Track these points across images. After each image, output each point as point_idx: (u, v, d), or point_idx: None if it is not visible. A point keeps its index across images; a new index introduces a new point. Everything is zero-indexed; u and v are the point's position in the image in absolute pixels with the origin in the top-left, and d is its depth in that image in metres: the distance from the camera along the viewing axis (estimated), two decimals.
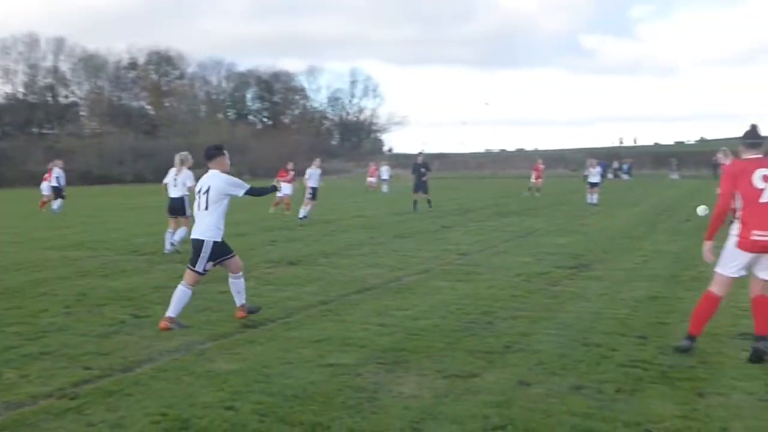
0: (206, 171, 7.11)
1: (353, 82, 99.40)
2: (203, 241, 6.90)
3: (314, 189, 19.75)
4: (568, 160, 77.64)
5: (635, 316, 7.26)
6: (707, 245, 5.99)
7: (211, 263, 6.97)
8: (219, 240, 6.95)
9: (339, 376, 5.33)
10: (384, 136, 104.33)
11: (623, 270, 10.25)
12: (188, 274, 7.00)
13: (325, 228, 17.14)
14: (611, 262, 11.13)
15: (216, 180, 6.96)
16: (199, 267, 6.93)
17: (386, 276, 9.93)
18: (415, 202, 22.69)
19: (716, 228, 5.88)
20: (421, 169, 22.80)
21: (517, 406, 4.68)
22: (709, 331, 6.52)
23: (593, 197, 24.86)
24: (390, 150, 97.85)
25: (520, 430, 4.27)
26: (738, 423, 4.37)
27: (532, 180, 32.22)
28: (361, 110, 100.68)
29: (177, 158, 12.56)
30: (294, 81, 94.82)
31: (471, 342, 6.29)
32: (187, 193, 12.28)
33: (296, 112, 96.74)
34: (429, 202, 22.67)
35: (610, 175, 62.54)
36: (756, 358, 5.65)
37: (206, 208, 6.93)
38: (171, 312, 6.89)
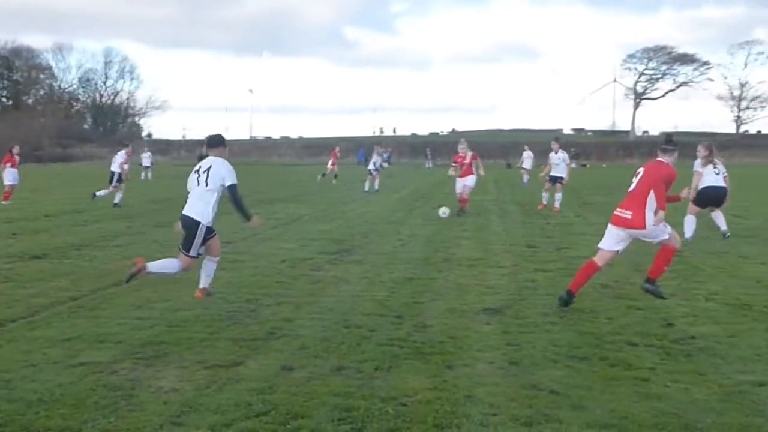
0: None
1: (108, 63, 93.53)
2: (199, 222, 7.04)
3: (119, 174, 19.34)
4: (332, 149, 79.61)
5: (393, 297, 7.65)
6: None
7: (203, 247, 7.16)
8: (211, 225, 7.15)
9: (91, 376, 4.99)
10: (142, 121, 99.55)
11: (382, 254, 10.75)
12: (182, 259, 7.10)
13: (75, 218, 15.92)
14: (371, 246, 11.62)
15: (217, 163, 7.21)
16: (193, 252, 7.09)
17: None
18: None
19: None
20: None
21: (280, 391, 4.72)
22: (457, 308, 7.09)
23: (375, 184, 26.27)
24: (149, 135, 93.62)
25: (282, 414, 4.31)
26: (481, 389, 4.79)
27: (330, 166, 32.85)
28: (116, 93, 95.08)
29: None
30: (38, 58, 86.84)
31: (234, 330, 6.22)
32: None
33: (41, 92, 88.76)
34: None
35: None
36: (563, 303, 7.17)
37: (206, 184, 7.11)
38: (203, 283, 7.36)
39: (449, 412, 4.37)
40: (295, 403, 4.48)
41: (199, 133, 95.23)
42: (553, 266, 9.60)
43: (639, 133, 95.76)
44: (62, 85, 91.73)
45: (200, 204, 7.08)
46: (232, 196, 7.20)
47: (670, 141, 7.47)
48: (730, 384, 4.92)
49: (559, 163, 18.46)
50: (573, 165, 56.02)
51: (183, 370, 5.13)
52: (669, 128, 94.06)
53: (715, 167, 12.10)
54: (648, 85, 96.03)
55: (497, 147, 76.21)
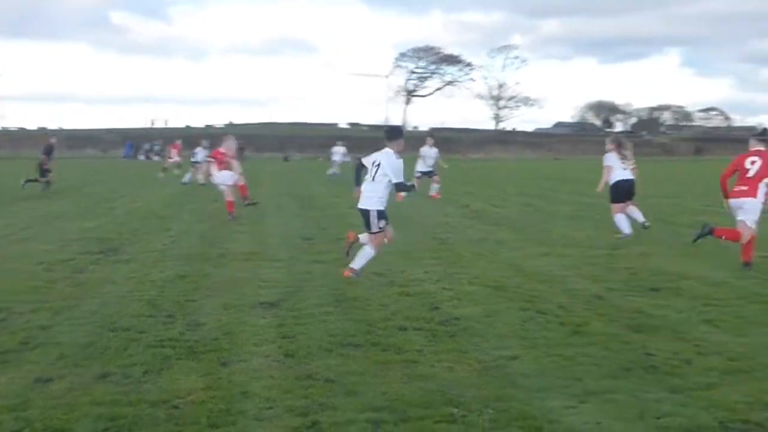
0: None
1: None
2: (369, 211, 7.96)
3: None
4: (98, 141, 74.67)
5: (163, 296, 7.31)
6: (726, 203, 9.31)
7: (383, 221, 8.00)
8: (382, 209, 7.98)
9: None
10: None
11: (152, 251, 10.24)
12: (370, 238, 8.07)
13: None
14: (140, 244, 11.03)
15: (386, 158, 7.94)
16: (374, 228, 7.95)
17: None
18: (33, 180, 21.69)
19: (725, 188, 9.27)
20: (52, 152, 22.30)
21: (35, 406, 4.31)
22: (232, 303, 6.97)
23: (198, 177, 24.84)
24: None
25: (38, 431, 3.94)
26: (257, 383, 4.74)
27: (172, 159, 30.05)
28: None
29: None
30: None
31: None
32: None
33: None
34: (32, 181, 21.67)
35: (141, 157, 62.15)
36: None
37: (372, 180, 7.97)
38: (355, 265, 8.06)
39: (224, 410, 4.27)
40: (53, 417, 4.12)
41: None
42: (328, 257, 9.77)
43: (410, 128, 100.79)
44: None
45: (368, 194, 7.98)
46: (397, 190, 8.18)
47: (766, 132, 9.22)
48: (488, 359, 5.32)
49: (434, 157, 20.24)
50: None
51: None
52: (436, 124, 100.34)
53: (623, 160, 11.94)
54: (418, 83, 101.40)
55: (274, 140, 76.27)
